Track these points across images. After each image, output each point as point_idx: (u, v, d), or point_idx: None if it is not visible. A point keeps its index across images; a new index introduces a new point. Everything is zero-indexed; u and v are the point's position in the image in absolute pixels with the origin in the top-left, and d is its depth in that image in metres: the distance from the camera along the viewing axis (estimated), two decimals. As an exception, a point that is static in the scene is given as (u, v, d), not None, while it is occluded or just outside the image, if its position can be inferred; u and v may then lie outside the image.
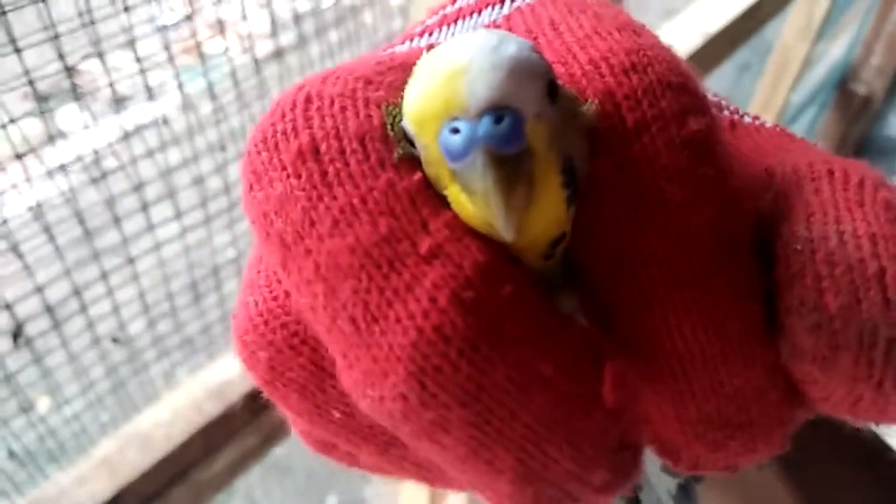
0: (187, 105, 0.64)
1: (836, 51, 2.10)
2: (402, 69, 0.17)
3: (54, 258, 0.59)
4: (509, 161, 0.13)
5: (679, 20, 1.02)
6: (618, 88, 0.15)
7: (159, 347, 0.72)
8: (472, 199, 0.14)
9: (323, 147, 0.14)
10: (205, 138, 0.66)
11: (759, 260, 0.16)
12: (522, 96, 0.13)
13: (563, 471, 0.14)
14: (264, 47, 0.71)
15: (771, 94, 1.45)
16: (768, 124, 0.20)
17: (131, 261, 0.64)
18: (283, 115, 0.15)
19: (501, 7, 0.19)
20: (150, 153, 0.61)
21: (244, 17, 0.63)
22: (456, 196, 0.14)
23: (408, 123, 0.14)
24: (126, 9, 0.52)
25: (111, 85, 0.55)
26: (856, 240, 0.15)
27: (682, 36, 0.98)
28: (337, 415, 0.17)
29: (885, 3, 1.92)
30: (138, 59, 0.55)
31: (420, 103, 0.14)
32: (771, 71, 1.45)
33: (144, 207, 0.62)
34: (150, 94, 0.58)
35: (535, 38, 0.17)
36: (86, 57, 0.58)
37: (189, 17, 0.62)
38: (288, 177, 0.14)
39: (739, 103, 0.22)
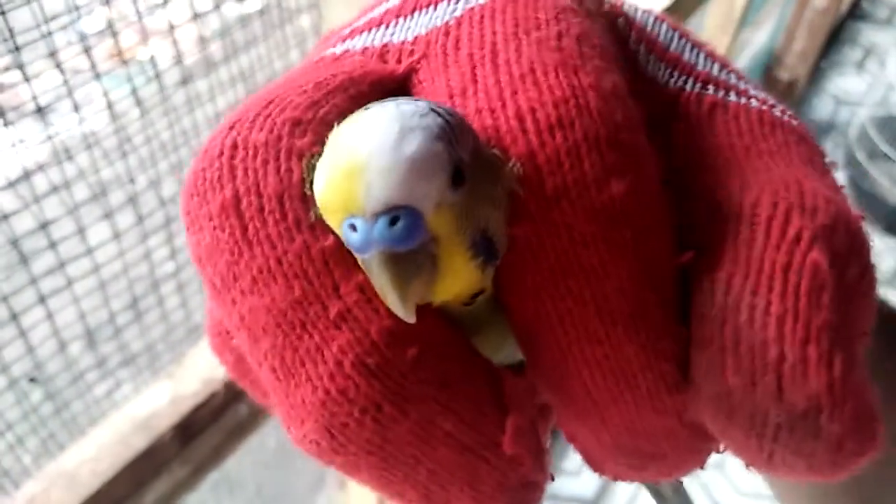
0: (115, 116, 0.62)
1: (759, 39, 2.15)
2: (342, 91, 0.17)
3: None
4: (406, 256, 0.13)
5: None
6: (540, 150, 0.15)
7: (78, 384, 0.71)
8: (375, 286, 0.14)
9: (244, 203, 0.15)
10: (135, 156, 0.64)
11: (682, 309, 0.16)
12: (420, 194, 0.13)
13: None
14: (192, 55, 0.69)
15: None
16: (755, 102, 0.19)
17: (42, 299, 0.62)
18: (212, 163, 0.16)
19: (457, 2, 0.18)
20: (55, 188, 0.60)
21: (171, 26, 0.62)
22: None
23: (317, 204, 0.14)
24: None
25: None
26: (764, 318, 0.14)
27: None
28: None
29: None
30: (93, 67, 0.53)
31: (323, 195, 0.14)
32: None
33: (52, 245, 0.60)
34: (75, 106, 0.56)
35: (473, 70, 0.16)
36: (5, 70, 0.56)
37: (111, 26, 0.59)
38: (214, 228, 0.15)
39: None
